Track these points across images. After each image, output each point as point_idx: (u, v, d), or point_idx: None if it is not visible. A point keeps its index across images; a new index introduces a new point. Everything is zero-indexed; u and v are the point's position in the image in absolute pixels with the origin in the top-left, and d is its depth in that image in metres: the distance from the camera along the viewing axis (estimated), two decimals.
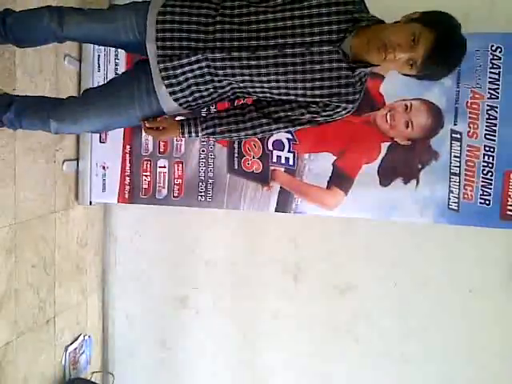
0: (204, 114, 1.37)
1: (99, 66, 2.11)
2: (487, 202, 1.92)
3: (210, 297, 2.36)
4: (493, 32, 1.90)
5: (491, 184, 1.91)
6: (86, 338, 2.32)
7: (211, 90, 1.26)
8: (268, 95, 1.25)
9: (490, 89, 1.91)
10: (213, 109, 1.84)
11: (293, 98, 1.23)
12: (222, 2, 1.23)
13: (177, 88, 1.25)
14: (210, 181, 2.08)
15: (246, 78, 1.21)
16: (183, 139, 2.08)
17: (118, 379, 2.43)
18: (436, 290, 2.14)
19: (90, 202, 2.18)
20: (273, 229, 2.24)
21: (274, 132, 1.31)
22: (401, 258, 2.16)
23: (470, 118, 1.93)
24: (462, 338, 2.16)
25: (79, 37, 1.39)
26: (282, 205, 2.05)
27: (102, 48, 2.08)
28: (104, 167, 2.15)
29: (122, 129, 2.09)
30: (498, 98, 1.90)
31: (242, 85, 1.23)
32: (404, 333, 2.19)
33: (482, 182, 1.92)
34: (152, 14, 1.24)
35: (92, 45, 2.05)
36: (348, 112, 1.25)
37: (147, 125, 1.33)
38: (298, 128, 1.31)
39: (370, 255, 2.17)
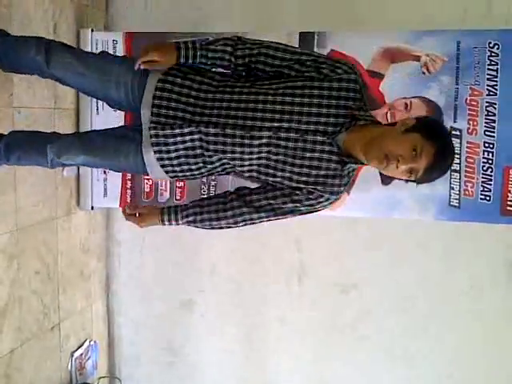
0: (185, 203, 1.37)
1: None
2: (488, 198, 1.93)
3: (215, 300, 2.37)
4: (490, 29, 1.91)
5: (491, 180, 1.92)
6: (92, 343, 2.32)
7: (200, 164, 1.26)
8: (255, 174, 1.24)
9: (488, 85, 1.92)
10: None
11: (278, 180, 1.23)
12: (225, 81, 1.23)
13: (165, 156, 1.25)
14: (213, 183, 2.09)
15: (237, 155, 1.21)
16: None
17: None
18: (437, 286, 2.15)
19: (92, 207, 2.18)
20: (275, 231, 2.24)
21: (256, 221, 1.29)
22: (402, 257, 2.16)
23: (469, 114, 1.94)
24: (464, 334, 2.17)
25: (63, 79, 1.36)
26: None
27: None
28: (105, 171, 2.14)
29: None
30: (496, 94, 1.91)
31: (231, 162, 1.24)
32: (408, 330, 2.20)
33: (483, 178, 1.93)
34: (152, 79, 1.24)
35: (91, 50, 2.05)
36: (330, 203, 1.26)
37: (127, 211, 1.34)
38: (280, 218, 1.31)
39: (372, 254, 2.18)
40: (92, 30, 2.07)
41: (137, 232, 2.37)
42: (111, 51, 2.05)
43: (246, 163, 1.22)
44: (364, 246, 2.17)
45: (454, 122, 1.94)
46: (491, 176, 1.93)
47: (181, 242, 2.35)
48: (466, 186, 1.95)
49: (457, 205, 1.96)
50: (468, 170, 1.95)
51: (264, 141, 1.18)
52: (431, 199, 1.96)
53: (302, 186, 1.22)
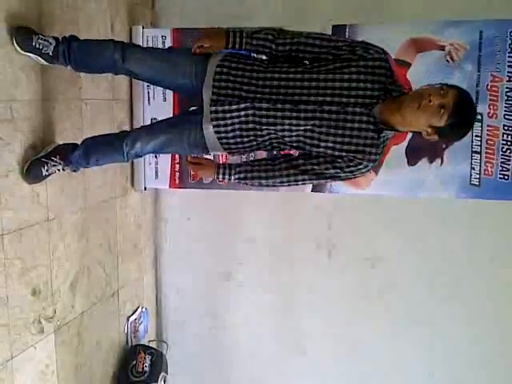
0: (238, 163, 1.58)
1: None
2: (506, 177, 2.09)
3: (251, 271, 2.60)
4: (511, 18, 2.04)
5: (510, 160, 2.08)
6: (144, 310, 2.60)
7: (252, 137, 1.46)
8: (301, 144, 1.44)
9: (509, 72, 2.05)
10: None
11: (322, 150, 1.41)
12: (273, 64, 1.44)
13: (222, 129, 1.46)
14: None
15: (286, 127, 1.41)
16: None
17: (172, 347, 2.71)
18: (459, 259, 2.34)
19: (145, 188, 2.43)
20: (308, 208, 2.46)
21: (300, 183, 1.49)
22: (426, 232, 2.35)
23: (490, 100, 2.09)
24: (485, 303, 2.33)
25: (137, 72, 1.58)
26: (318, 185, 2.26)
27: (151, 45, 2.28)
28: (156, 156, 2.38)
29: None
30: None
31: (280, 134, 1.43)
32: (430, 300, 2.39)
33: (502, 158, 2.09)
34: (211, 66, 1.47)
35: (142, 44, 2.26)
36: (367, 170, 1.44)
37: (189, 159, 1.57)
38: (322, 181, 1.52)
39: (398, 230, 2.37)
40: (143, 27, 2.28)
41: (182, 211, 2.65)
42: (160, 46, 2.27)
43: (294, 134, 1.41)
44: (390, 222, 2.36)
45: (476, 105, 2.10)
46: (510, 157, 2.09)
47: (221, 219, 2.59)
48: (486, 166, 2.11)
49: (477, 184, 2.13)
50: (488, 151, 2.11)
51: (309, 114, 1.37)
52: (453, 179, 2.14)
53: (343, 154, 1.40)
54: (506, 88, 2.07)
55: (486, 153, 2.12)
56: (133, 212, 2.47)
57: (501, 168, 2.11)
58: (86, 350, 2.14)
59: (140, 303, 2.59)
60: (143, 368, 2.37)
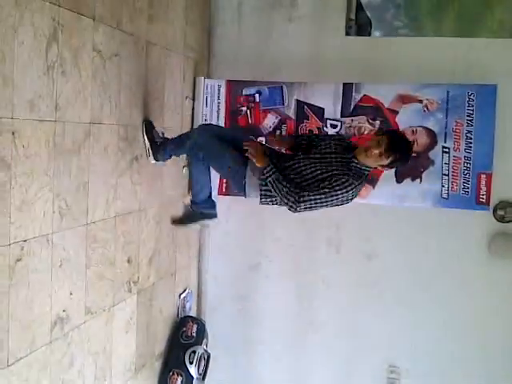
0: None
1: (207, 104, 3.16)
2: (467, 193, 2.90)
3: (276, 265, 3.33)
4: (469, 83, 2.91)
5: (469, 181, 2.90)
6: (190, 291, 3.30)
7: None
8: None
9: (467, 120, 2.91)
10: None
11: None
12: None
13: None
14: None
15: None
16: None
17: (208, 324, 3.38)
18: (435, 255, 3.10)
19: None
20: (322, 213, 3.21)
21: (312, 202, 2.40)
22: (410, 235, 3.12)
23: (454, 138, 2.93)
24: (455, 288, 3.07)
25: None
26: None
27: (209, 91, 3.13)
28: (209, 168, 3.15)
29: None
30: (472, 125, 2.90)
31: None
32: (413, 287, 3.12)
33: (463, 179, 2.91)
34: None
35: (203, 90, 3.13)
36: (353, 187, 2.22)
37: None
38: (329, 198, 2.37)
39: (390, 232, 3.14)
40: (204, 78, 3.13)
41: (221, 215, 3.37)
42: (216, 92, 3.11)
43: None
44: (384, 225, 3.14)
45: (445, 142, 2.94)
46: (469, 178, 2.91)
47: (253, 222, 3.33)
48: (453, 184, 2.93)
49: (446, 197, 2.94)
50: (454, 174, 2.93)
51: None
52: (429, 193, 2.94)
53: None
54: (466, 130, 2.92)
55: (452, 175, 2.94)
56: None
57: (463, 186, 2.92)
58: (153, 313, 2.83)
59: (188, 285, 3.29)
60: (191, 333, 3.04)
